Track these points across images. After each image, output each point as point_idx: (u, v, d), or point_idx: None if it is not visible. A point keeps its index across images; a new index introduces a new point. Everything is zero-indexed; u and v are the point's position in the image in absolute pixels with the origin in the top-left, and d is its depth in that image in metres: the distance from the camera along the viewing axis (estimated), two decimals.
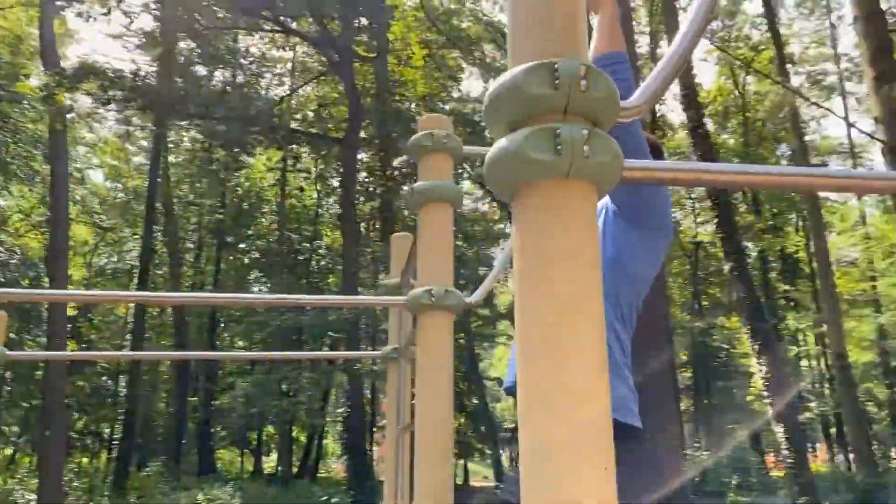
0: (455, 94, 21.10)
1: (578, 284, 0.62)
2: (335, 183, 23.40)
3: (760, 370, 11.07)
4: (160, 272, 23.42)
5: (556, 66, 0.64)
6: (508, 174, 0.65)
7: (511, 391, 1.68)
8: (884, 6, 11.40)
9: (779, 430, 10.91)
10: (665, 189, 1.46)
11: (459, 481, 27.97)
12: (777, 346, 12.39)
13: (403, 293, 2.46)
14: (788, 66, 19.61)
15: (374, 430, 22.14)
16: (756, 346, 10.97)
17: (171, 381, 22.36)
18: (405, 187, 18.43)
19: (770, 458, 22.43)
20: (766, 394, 11.06)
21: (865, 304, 22.90)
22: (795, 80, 22.39)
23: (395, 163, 17.49)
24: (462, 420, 28.84)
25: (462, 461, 30.22)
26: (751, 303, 11.11)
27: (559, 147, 0.62)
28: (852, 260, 23.37)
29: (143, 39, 17.41)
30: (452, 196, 1.57)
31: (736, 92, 24.88)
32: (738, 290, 11.37)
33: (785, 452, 11.04)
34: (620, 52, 1.53)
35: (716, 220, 11.89)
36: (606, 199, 1.61)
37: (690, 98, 13.04)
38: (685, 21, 0.78)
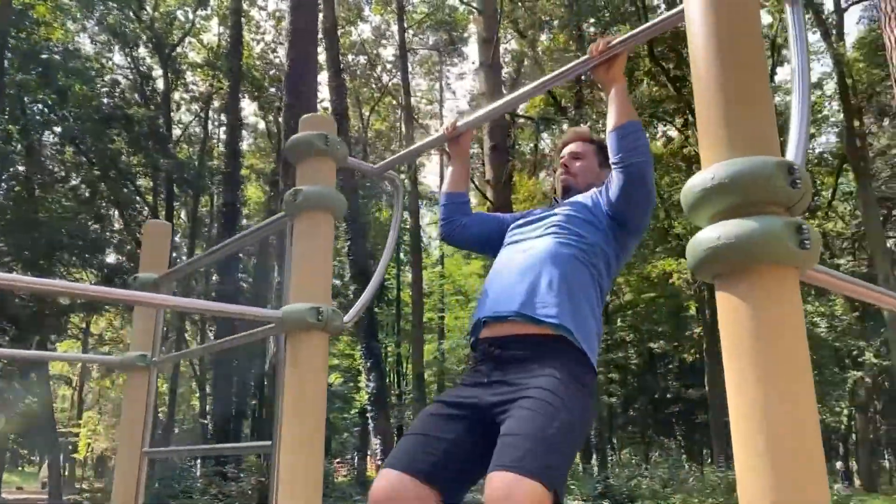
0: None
1: (796, 359, 0.69)
2: None
3: (368, 385, 12.05)
4: None
5: (794, 167, 0.71)
6: (745, 255, 0.69)
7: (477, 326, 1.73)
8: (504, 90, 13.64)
9: (375, 440, 12.01)
10: None
11: None
12: (383, 364, 13.73)
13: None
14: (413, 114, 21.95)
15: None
16: (368, 364, 11.91)
17: None
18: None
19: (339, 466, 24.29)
20: (369, 408, 12.13)
21: (433, 330, 27.01)
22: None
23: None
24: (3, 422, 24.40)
25: None
26: (368, 324, 12.06)
27: (806, 241, 0.69)
28: (429, 293, 27.13)
29: None
30: (339, 207, 1.46)
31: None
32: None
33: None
34: (638, 121, 1.77)
35: (348, 243, 12.64)
36: (595, 192, 1.86)
37: (344, 128, 13.65)
38: (795, 74, 0.91)
